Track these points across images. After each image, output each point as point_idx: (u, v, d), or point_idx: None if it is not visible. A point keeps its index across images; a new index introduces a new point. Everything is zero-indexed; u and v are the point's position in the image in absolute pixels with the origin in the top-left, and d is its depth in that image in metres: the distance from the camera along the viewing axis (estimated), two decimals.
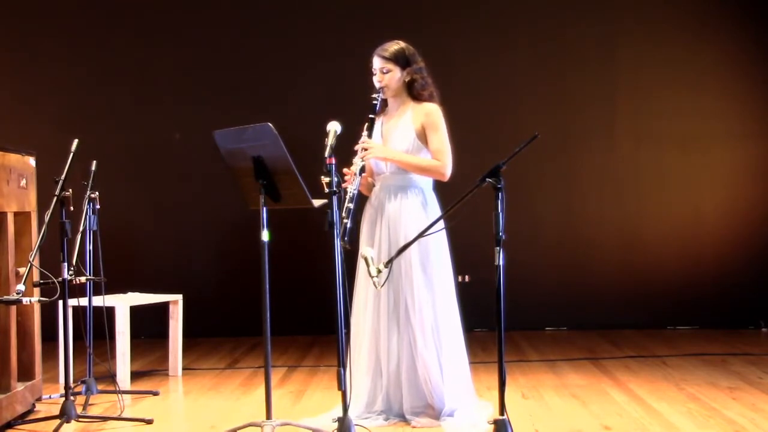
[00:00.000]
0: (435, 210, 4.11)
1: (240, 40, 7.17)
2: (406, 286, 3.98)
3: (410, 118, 4.11)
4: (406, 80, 4.11)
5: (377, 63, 4.10)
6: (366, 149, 3.98)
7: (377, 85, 4.10)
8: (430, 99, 4.13)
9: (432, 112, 4.08)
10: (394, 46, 4.11)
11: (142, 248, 7.14)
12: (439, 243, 4.07)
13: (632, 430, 3.88)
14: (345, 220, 3.80)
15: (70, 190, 4.06)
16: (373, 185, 4.20)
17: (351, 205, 3.88)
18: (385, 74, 4.08)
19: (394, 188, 4.09)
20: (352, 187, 3.91)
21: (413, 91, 4.12)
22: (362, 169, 3.98)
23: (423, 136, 4.08)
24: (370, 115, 4.06)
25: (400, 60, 4.09)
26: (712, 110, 7.16)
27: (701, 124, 7.15)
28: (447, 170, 4.05)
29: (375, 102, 4.07)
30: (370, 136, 4.03)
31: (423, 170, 4.08)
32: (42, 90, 7.11)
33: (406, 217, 4.03)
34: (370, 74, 4.13)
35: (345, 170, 3.95)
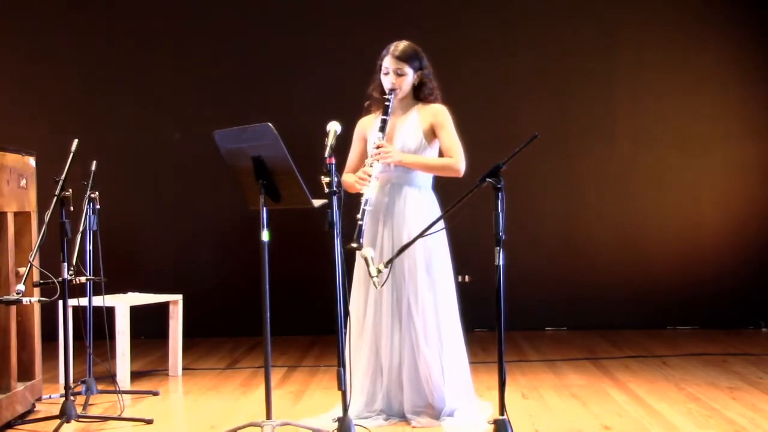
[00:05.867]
0: (436, 210, 4.11)
1: (240, 40, 7.17)
2: (410, 285, 3.98)
3: (417, 118, 4.10)
4: (416, 83, 4.11)
5: (391, 63, 4.04)
6: (381, 153, 3.95)
7: (389, 86, 4.04)
8: (435, 100, 4.14)
9: (440, 112, 4.09)
10: (409, 48, 4.07)
11: (142, 248, 7.14)
12: (441, 243, 4.07)
13: (632, 430, 3.88)
14: (360, 222, 3.80)
15: (70, 190, 4.05)
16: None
17: (368, 208, 3.87)
18: (399, 76, 4.04)
19: (398, 188, 4.08)
20: (368, 190, 3.89)
21: (420, 94, 4.12)
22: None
23: (430, 136, 4.08)
24: (384, 117, 4.01)
25: (414, 63, 4.06)
26: (712, 110, 7.16)
27: (701, 125, 7.15)
28: (462, 165, 4.04)
29: (388, 104, 4.02)
30: (384, 137, 4.01)
31: (439, 170, 4.09)
32: (42, 90, 7.11)
33: (410, 217, 4.02)
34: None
35: (360, 173, 3.96)
